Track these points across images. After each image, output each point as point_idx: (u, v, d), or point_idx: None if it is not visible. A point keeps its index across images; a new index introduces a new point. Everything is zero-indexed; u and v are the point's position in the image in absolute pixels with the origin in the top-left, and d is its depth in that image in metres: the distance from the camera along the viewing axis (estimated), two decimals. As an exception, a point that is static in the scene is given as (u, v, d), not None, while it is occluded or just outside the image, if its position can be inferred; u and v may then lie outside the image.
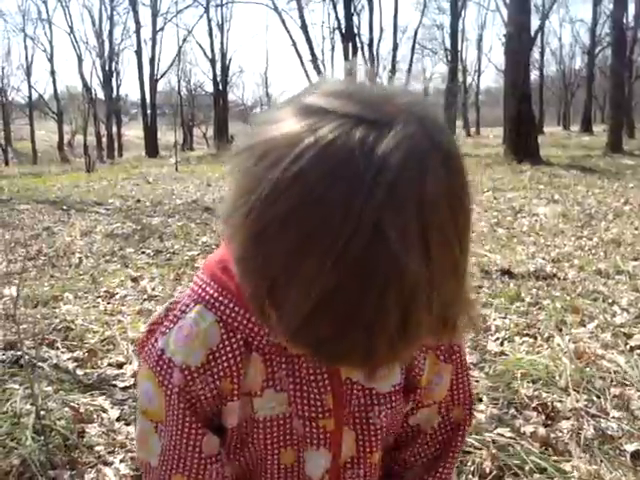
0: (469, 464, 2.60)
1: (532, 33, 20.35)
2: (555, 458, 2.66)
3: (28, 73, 52.55)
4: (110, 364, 3.70)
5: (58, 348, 3.93)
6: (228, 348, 0.92)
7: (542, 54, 53.99)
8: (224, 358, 0.92)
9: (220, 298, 0.92)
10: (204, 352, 0.92)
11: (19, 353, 3.58)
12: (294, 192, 0.66)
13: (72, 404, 3.10)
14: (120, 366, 3.66)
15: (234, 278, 0.85)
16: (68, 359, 3.76)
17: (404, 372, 1.04)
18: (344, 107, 0.68)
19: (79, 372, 3.56)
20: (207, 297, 0.93)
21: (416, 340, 0.74)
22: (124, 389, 3.35)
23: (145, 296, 5.18)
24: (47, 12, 51.03)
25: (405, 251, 0.64)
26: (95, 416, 3.04)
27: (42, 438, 2.74)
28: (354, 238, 0.64)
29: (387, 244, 0.64)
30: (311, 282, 0.67)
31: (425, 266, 0.66)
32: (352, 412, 1.01)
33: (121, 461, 2.69)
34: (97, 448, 2.78)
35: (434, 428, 1.17)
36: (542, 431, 2.83)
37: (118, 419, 3.04)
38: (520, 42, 18.05)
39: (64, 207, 10.71)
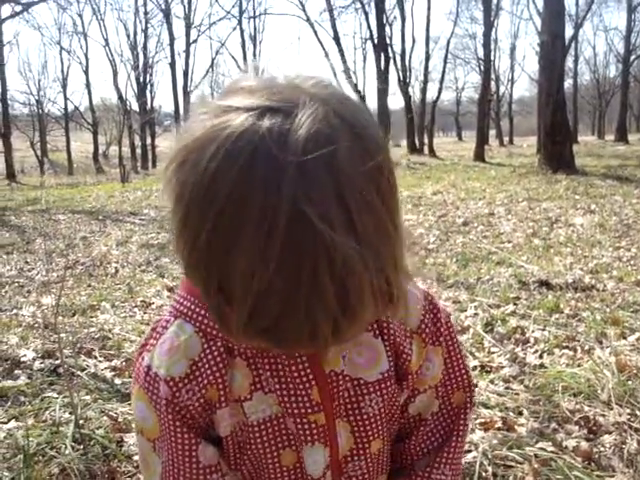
0: (510, 478, 2.56)
1: (566, 41, 20.17)
2: (598, 473, 2.61)
3: (64, 85, 53.34)
4: (147, 374, 3.70)
5: (96, 357, 3.96)
6: (210, 356, 0.94)
7: (576, 63, 53.49)
8: (207, 366, 0.94)
9: (197, 309, 0.94)
10: (186, 362, 0.94)
11: (58, 362, 3.62)
12: (216, 190, 0.70)
13: (110, 413, 3.12)
14: (157, 376, 3.67)
15: None
16: (106, 368, 3.78)
17: (392, 359, 1.03)
18: (250, 102, 0.73)
19: (117, 381, 3.57)
20: (185, 310, 0.96)
21: (361, 315, 0.74)
22: (161, 399, 3.35)
23: (181, 306, 5.19)
24: (82, 25, 51.30)
25: (328, 225, 0.67)
26: (133, 425, 3.04)
27: (81, 447, 2.76)
28: (277, 222, 0.67)
29: (309, 221, 0.66)
30: (248, 274, 0.70)
31: (352, 237, 0.68)
32: (343, 404, 1.01)
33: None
34: (136, 457, 2.78)
35: (435, 414, 1.15)
36: (584, 445, 2.78)
37: (156, 429, 3.04)
38: (554, 51, 17.90)
39: (100, 217, 10.84)
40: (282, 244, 0.67)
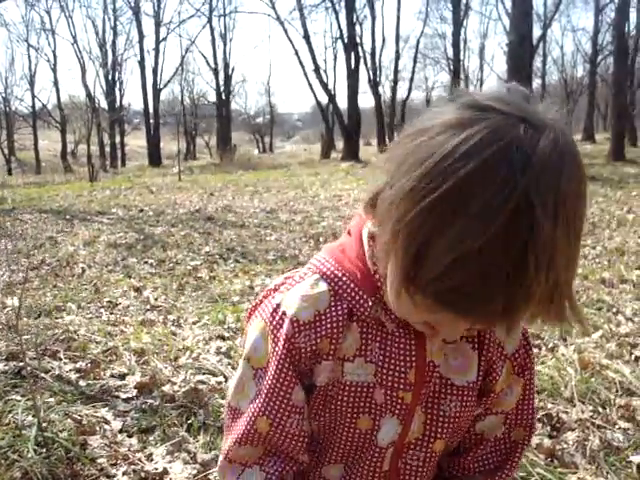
0: (474, 476, 2.58)
1: (534, 42, 20.34)
2: (561, 470, 2.64)
3: (31, 83, 52.68)
4: (113, 375, 3.68)
5: (61, 359, 3.91)
6: (334, 313, 1.06)
7: (544, 62, 53.92)
8: (329, 320, 1.06)
9: (335, 272, 1.08)
10: (313, 311, 1.06)
11: (21, 364, 3.57)
12: (463, 164, 0.78)
13: (74, 416, 3.08)
14: (123, 377, 3.64)
15: (350, 258, 1.07)
16: (71, 370, 3.74)
17: (482, 374, 1.14)
18: (505, 108, 0.83)
19: (82, 383, 3.54)
20: (324, 269, 1.09)
21: (535, 299, 0.82)
22: (127, 400, 3.33)
23: (148, 306, 5.17)
24: (50, 22, 50.71)
25: (544, 214, 0.77)
26: (98, 428, 3.02)
27: (44, 450, 2.73)
28: (507, 201, 0.76)
29: (532, 211, 0.77)
30: (460, 240, 0.78)
31: (554, 231, 0.78)
32: (427, 394, 1.12)
33: (124, 473, 2.68)
34: (99, 460, 2.76)
35: (497, 439, 1.25)
36: (548, 442, 2.81)
37: (121, 431, 3.02)
38: (522, 51, 18.05)
39: (67, 217, 10.71)
40: (505, 220, 0.76)
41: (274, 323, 1.08)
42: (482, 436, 1.24)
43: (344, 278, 1.07)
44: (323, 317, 1.06)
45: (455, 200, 0.78)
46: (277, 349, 1.08)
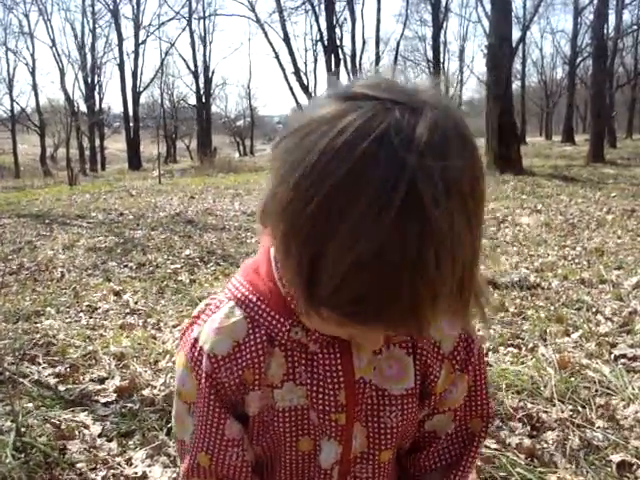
0: (455, 476, 2.58)
1: (513, 44, 20.45)
2: (541, 469, 2.65)
3: (10, 87, 52.24)
4: (92, 379, 3.65)
5: (39, 364, 3.88)
6: (252, 342, 1.02)
7: (524, 65, 54.39)
8: (248, 350, 1.02)
9: (250, 296, 1.03)
10: (230, 342, 1.03)
11: (-1, 369, 3.54)
12: (340, 160, 0.74)
13: (53, 420, 3.06)
14: (102, 381, 3.62)
15: (264, 280, 1.02)
16: (49, 375, 3.71)
17: (419, 378, 1.10)
18: (380, 94, 0.78)
19: (61, 388, 3.51)
20: (239, 295, 1.05)
21: (443, 303, 0.78)
22: (106, 405, 3.31)
23: (127, 310, 5.14)
24: (29, 25, 50.34)
25: (435, 205, 0.72)
26: (77, 432, 3.00)
27: (23, 455, 2.71)
28: (393, 195, 0.71)
29: (420, 200, 0.72)
30: (352, 242, 0.73)
31: (450, 220, 0.73)
32: (364, 410, 1.09)
33: (103, 478, 2.66)
34: (79, 465, 2.74)
35: (449, 435, 1.22)
36: (528, 442, 2.82)
37: (100, 435, 3.00)
38: (501, 53, 18.15)
39: (46, 221, 10.63)
40: (393, 218, 0.72)
41: (194, 359, 1.06)
42: (433, 434, 1.22)
43: (259, 302, 1.02)
44: (242, 347, 1.02)
45: (339, 202, 0.74)
46: (201, 386, 1.06)
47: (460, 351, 1.13)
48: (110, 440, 2.96)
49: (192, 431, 1.10)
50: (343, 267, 0.74)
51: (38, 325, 4.68)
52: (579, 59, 46.93)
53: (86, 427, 3.06)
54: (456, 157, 0.76)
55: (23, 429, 2.88)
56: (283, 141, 0.84)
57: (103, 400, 3.36)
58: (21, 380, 3.53)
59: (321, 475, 1.13)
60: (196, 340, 1.05)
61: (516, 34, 24.58)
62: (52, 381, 3.62)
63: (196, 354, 1.05)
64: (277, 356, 1.03)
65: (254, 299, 1.02)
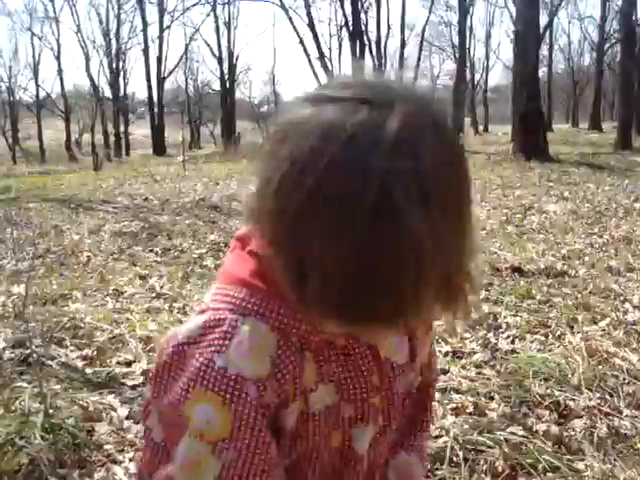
0: (481, 463, 2.57)
1: (541, 30, 20.24)
2: (568, 457, 2.63)
3: (35, 72, 52.76)
4: (119, 362, 3.69)
5: (67, 346, 3.92)
6: (288, 352, 0.96)
7: (551, 51, 53.82)
8: (286, 362, 0.96)
9: (269, 306, 0.95)
10: (269, 360, 0.95)
11: (28, 351, 3.58)
12: (310, 168, 0.75)
13: (81, 402, 3.09)
14: (129, 364, 3.65)
15: (271, 285, 0.93)
16: (77, 357, 3.75)
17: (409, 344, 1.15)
18: (348, 94, 0.78)
19: (88, 370, 3.55)
20: (255, 308, 0.96)
21: (425, 300, 0.79)
22: (133, 387, 3.34)
23: (153, 294, 5.17)
24: (54, 11, 50.91)
25: (409, 206, 0.72)
26: (104, 414, 3.02)
27: (51, 437, 2.74)
28: (364, 199, 0.72)
29: (393, 202, 0.72)
30: (326, 249, 0.74)
31: (427, 219, 0.73)
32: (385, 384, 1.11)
33: (130, 460, 2.68)
34: (106, 447, 2.77)
35: (416, 389, 1.27)
36: (555, 429, 2.81)
37: (127, 417, 3.03)
38: (528, 39, 17.97)
39: (72, 205, 10.72)
40: (368, 217, 0.72)
41: (230, 390, 0.93)
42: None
43: (281, 310, 0.95)
44: (278, 361, 0.96)
45: (314, 207, 0.75)
46: (244, 416, 0.94)
47: None
48: (137, 422, 2.98)
49: (218, 472, 0.95)
50: (324, 272, 0.75)
51: (65, 308, 4.72)
52: (607, 45, 46.37)
53: (113, 409, 3.09)
54: (430, 154, 0.75)
55: (51, 411, 2.91)
56: (265, 144, 0.86)
57: (130, 383, 3.39)
58: (49, 362, 3.57)
59: (357, 463, 1.11)
60: (225, 369, 0.93)
61: (543, 20, 24.38)
62: (79, 364, 3.65)
63: (232, 384, 0.93)
64: (309, 360, 0.99)
65: (275, 307, 0.95)
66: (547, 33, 40.41)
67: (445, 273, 0.77)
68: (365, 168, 0.72)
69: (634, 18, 26.68)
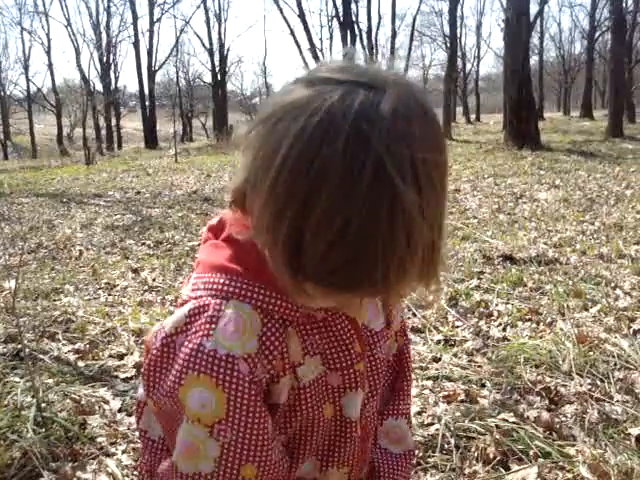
0: (473, 449, 2.59)
1: (531, 18, 20.23)
2: (559, 442, 2.64)
3: (26, 66, 52.44)
4: (111, 355, 3.69)
5: (59, 340, 3.92)
6: (273, 329, 1.01)
7: (541, 39, 53.81)
8: (272, 339, 1.00)
9: (249, 288, 1.00)
10: (256, 339, 0.99)
11: (19, 346, 3.57)
12: (313, 142, 0.78)
13: (73, 396, 3.09)
14: (121, 357, 3.65)
15: (249, 267, 0.99)
16: (69, 351, 3.75)
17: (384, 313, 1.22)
18: (345, 76, 0.83)
19: (80, 364, 3.55)
20: (237, 290, 1.00)
21: (411, 268, 0.84)
22: (125, 380, 3.34)
23: (146, 287, 5.17)
24: (44, 5, 50.76)
25: (402, 181, 0.77)
26: (97, 407, 3.03)
27: (43, 430, 2.74)
28: (363, 174, 0.77)
29: (389, 176, 0.77)
30: (330, 216, 0.78)
31: (418, 195, 0.79)
32: (366, 351, 1.16)
33: (123, 452, 2.69)
34: (99, 439, 2.77)
35: (394, 356, 1.35)
36: (546, 415, 2.82)
37: (120, 410, 3.03)
38: (519, 27, 17.96)
39: (64, 200, 10.70)
40: (364, 194, 0.77)
41: (222, 370, 0.97)
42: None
43: (257, 289, 1.00)
44: (264, 339, 1.00)
45: (315, 180, 0.79)
46: (238, 395, 0.97)
47: None
48: (130, 415, 2.98)
49: (218, 453, 1.00)
50: (323, 242, 0.79)
51: (57, 302, 4.72)
52: (598, 33, 46.35)
53: (106, 402, 3.09)
54: (420, 133, 0.81)
55: (44, 404, 2.91)
56: (255, 129, 0.88)
57: (122, 376, 3.39)
58: (41, 356, 3.57)
59: (350, 429, 1.16)
60: (215, 351, 0.96)
61: (534, 8, 24.32)
62: (72, 357, 3.66)
63: (223, 364, 0.96)
64: (292, 335, 1.04)
65: (255, 289, 1.00)
66: (538, 21, 40.37)
67: (430, 244, 0.83)
68: (363, 144, 0.77)
69: (624, 6, 26.67)
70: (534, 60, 47.94)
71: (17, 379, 3.25)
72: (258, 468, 1.02)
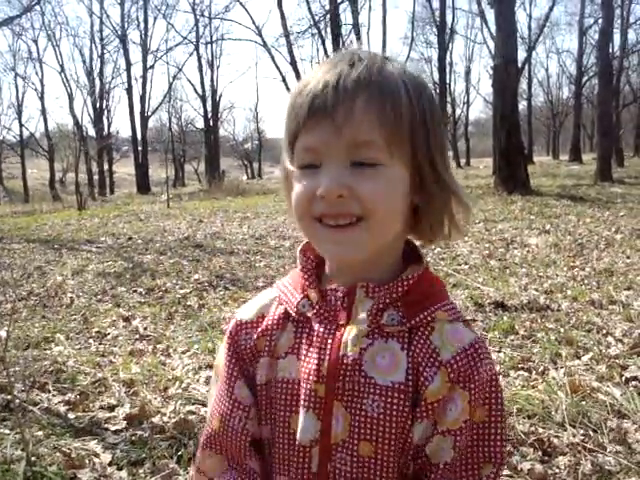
0: (466, 503, 2.56)
1: (519, 64, 20.52)
2: (553, 495, 2.62)
3: (19, 112, 52.76)
4: (102, 407, 3.65)
5: (49, 391, 3.89)
6: (273, 315, 1.20)
7: (530, 85, 54.42)
8: (268, 322, 1.19)
9: (285, 284, 1.23)
10: (256, 313, 1.22)
11: (9, 397, 3.54)
12: (301, 104, 1.07)
13: (63, 449, 3.06)
14: (112, 409, 3.62)
15: (295, 270, 1.23)
16: (59, 402, 3.71)
17: (410, 376, 1.09)
18: (339, 58, 1.11)
19: (70, 415, 3.51)
20: (280, 283, 1.26)
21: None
22: (116, 432, 3.31)
23: (137, 336, 5.14)
24: (38, 51, 51.07)
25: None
26: (87, 461, 2.99)
27: (33, 485, 2.70)
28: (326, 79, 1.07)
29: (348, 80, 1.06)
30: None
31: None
32: (348, 391, 1.10)
33: (113, 507, 2.65)
34: (89, 494, 2.74)
35: (448, 466, 1.10)
36: (539, 468, 2.81)
37: (110, 463, 3.00)
38: (507, 74, 18.20)
39: (56, 246, 10.68)
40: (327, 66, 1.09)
41: (228, 329, 1.24)
42: (431, 461, 1.10)
43: (286, 284, 1.23)
44: (264, 319, 1.20)
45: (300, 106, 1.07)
46: (225, 349, 1.23)
47: (460, 363, 1.09)
48: (120, 469, 2.95)
49: (213, 395, 1.25)
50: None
51: (48, 352, 4.69)
52: (585, 78, 47.10)
53: (96, 455, 3.06)
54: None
55: (33, 458, 2.88)
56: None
57: (113, 428, 3.36)
58: (31, 408, 3.54)
59: (300, 453, 1.12)
60: (235, 318, 1.24)
61: (522, 54, 24.78)
62: (62, 409, 3.62)
63: (229, 324, 1.24)
64: (289, 330, 1.17)
65: (285, 282, 1.23)
66: (526, 67, 41.01)
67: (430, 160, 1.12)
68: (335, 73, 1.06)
69: (610, 52, 27.12)
70: (523, 105, 48.50)
71: (7, 431, 3.22)
72: (220, 422, 1.20)
